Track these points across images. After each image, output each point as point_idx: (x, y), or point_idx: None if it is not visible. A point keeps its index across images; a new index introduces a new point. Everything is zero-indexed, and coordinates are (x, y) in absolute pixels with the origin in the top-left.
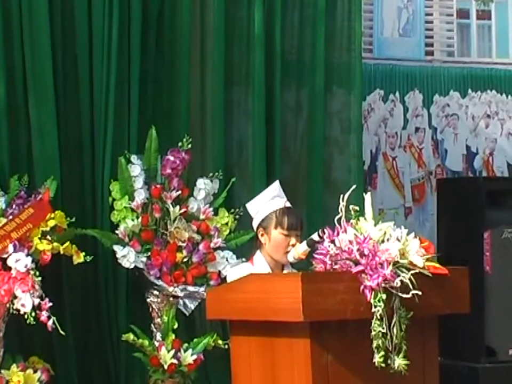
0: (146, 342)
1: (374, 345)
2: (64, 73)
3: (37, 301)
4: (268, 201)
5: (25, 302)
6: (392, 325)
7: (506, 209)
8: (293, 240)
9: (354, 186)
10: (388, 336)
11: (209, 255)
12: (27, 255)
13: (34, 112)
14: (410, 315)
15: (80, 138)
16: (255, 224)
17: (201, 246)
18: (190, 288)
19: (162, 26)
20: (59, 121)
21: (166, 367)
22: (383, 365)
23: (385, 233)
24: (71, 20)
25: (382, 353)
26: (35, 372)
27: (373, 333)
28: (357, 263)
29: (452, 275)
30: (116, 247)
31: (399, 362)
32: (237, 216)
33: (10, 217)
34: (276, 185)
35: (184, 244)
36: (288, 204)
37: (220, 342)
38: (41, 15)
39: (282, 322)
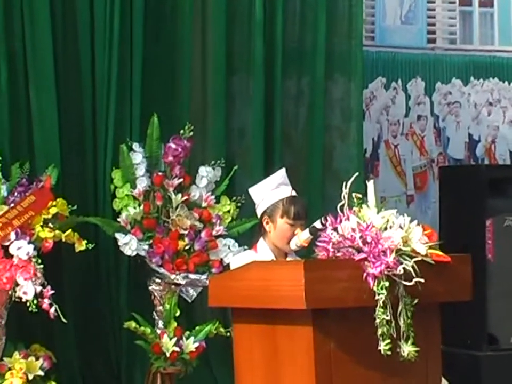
0: (148, 330)
1: (379, 333)
2: (65, 61)
3: (39, 288)
4: (274, 189)
5: (27, 289)
6: (398, 312)
7: (509, 197)
8: (297, 230)
9: (356, 174)
10: (393, 324)
11: (211, 242)
12: (29, 242)
13: (35, 100)
14: (416, 302)
15: (81, 126)
16: (259, 211)
17: (203, 234)
18: (192, 276)
19: (164, 13)
20: (60, 108)
21: (168, 354)
22: (389, 352)
23: (388, 220)
24: (72, 7)
25: (388, 341)
26: (37, 359)
27: (377, 320)
28: (359, 250)
29: (454, 263)
30: (117, 235)
31: (408, 349)
32: (239, 204)
33: (12, 204)
34: (282, 172)
35: (186, 232)
36: (294, 193)
37: (222, 329)
38: (42, 3)
39: (284, 310)
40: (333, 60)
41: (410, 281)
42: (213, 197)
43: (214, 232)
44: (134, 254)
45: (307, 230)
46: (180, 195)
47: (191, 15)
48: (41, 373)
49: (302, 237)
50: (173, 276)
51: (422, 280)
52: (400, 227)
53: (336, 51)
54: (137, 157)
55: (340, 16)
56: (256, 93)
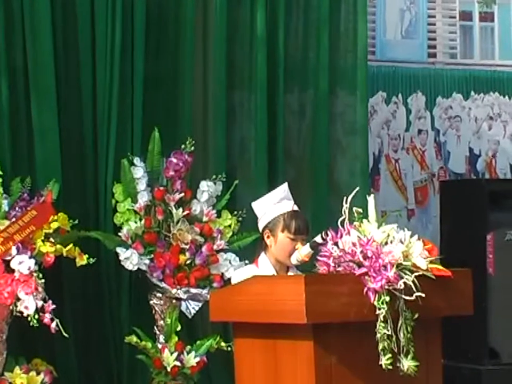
0: (149, 344)
1: (380, 347)
2: (66, 76)
3: (40, 303)
4: (276, 204)
5: (28, 304)
6: (398, 327)
7: (509, 211)
8: (298, 245)
9: (357, 189)
10: (394, 338)
11: (212, 257)
12: (30, 257)
13: (36, 114)
14: (416, 317)
15: (82, 140)
16: (261, 225)
17: (204, 248)
18: (193, 290)
19: (165, 29)
20: (61, 123)
21: (169, 369)
22: (390, 367)
23: (388, 235)
24: (74, 22)
25: (389, 355)
26: (38, 374)
27: (378, 335)
28: (360, 265)
29: (455, 277)
30: (118, 249)
31: (408, 364)
32: (240, 218)
33: (13, 219)
34: (284, 187)
35: (187, 246)
36: (295, 207)
37: (223, 344)
38: (43, 18)
39: (285, 325)
40: (336, 75)
41: (411, 295)
42: (214, 211)
43: (215, 247)
44: (135, 268)
45: (308, 244)
46: (181, 209)
47: (192, 30)
48: None
49: (302, 251)
50: (174, 290)
51: (423, 295)
52: (401, 241)
53: (339, 66)
54: (139, 171)
55: (343, 30)
56: (258, 108)
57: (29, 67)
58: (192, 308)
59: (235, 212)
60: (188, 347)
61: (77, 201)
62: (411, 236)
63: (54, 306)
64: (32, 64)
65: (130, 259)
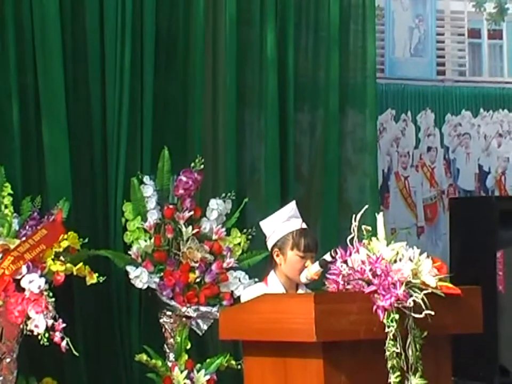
0: (159, 363)
1: (389, 365)
2: (76, 96)
3: (50, 321)
4: (284, 222)
5: (38, 323)
6: (407, 345)
7: None
8: (308, 262)
9: (366, 207)
10: (403, 356)
11: (222, 275)
12: (40, 276)
13: (47, 134)
14: (425, 335)
15: (92, 159)
16: (270, 244)
17: (213, 266)
18: (203, 309)
19: (175, 48)
20: (71, 142)
21: None
22: None
23: (397, 253)
24: (83, 43)
25: (398, 373)
26: None
27: (387, 353)
28: (369, 283)
29: (465, 295)
30: (128, 268)
31: (416, 382)
32: (250, 236)
33: (24, 238)
34: (292, 205)
35: (197, 264)
36: (304, 225)
37: (233, 362)
38: (54, 37)
39: (295, 343)
40: (346, 93)
41: (420, 313)
42: (224, 229)
43: (224, 265)
44: (145, 286)
45: (317, 262)
46: (190, 228)
47: (202, 49)
48: None
49: (312, 270)
50: (183, 309)
51: (432, 313)
52: (410, 259)
53: (349, 84)
54: (148, 190)
55: (352, 49)
56: (268, 126)
57: (39, 87)
58: (202, 324)
59: (245, 230)
60: (198, 365)
61: (87, 220)
62: (420, 254)
63: (64, 325)
64: (42, 84)
65: (140, 277)
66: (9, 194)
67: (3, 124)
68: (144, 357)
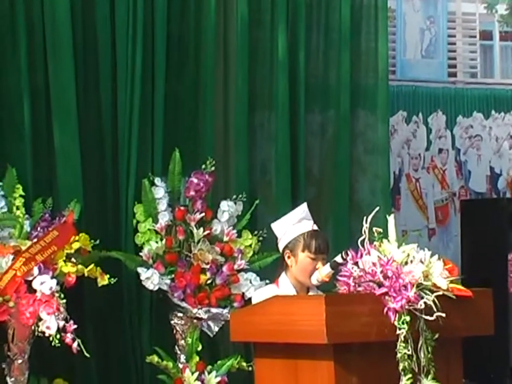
0: (170, 364)
1: (400, 367)
2: (87, 97)
3: (61, 323)
4: (295, 224)
5: (50, 324)
6: (418, 347)
7: None
8: (319, 264)
9: (377, 208)
10: (414, 358)
11: (233, 277)
12: (52, 277)
13: (58, 135)
14: (436, 337)
15: (103, 161)
16: (281, 245)
17: (224, 268)
18: (214, 310)
19: (186, 50)
20: (82, 144)
21: None
22: None
23: (408, 255)
24: (94, 44)
25: (409, 375)
26: None
27: (399, 355)
28: (380, 285)
29: (476, 297)
30: (139, 269)
31: None
32: (261, 238)
33: (35, 239)
34: (304, 207)
35: (208, 266)
36: (315, 227)
37: (244, 364)
38: (65, 40)
39: (306, 345)
40: (357, 94)
41: (431, 315)
42: (235, 231)
43: (235, 266)
44: (156, 288)
45: (328, 264)
46: (201, 229)
47: (214, 51)
48: None
49: (323, 272)
50: (194, 310)
51: (443, 315)
52: (421, 261)
53: (360, 85)
54: (159, 191)
55: (364, 51)
56: (279, 128)
57: (50, 89)
58: (213, 326)
59: (256, 232)
60: (209, 367)
61: (98, 221)
62: (431, 256)
63: (75, 326)
64: (53, 85)
65: (151, 279)
66: (20, 195)
67: (14, 126)
68: (155, 358)
